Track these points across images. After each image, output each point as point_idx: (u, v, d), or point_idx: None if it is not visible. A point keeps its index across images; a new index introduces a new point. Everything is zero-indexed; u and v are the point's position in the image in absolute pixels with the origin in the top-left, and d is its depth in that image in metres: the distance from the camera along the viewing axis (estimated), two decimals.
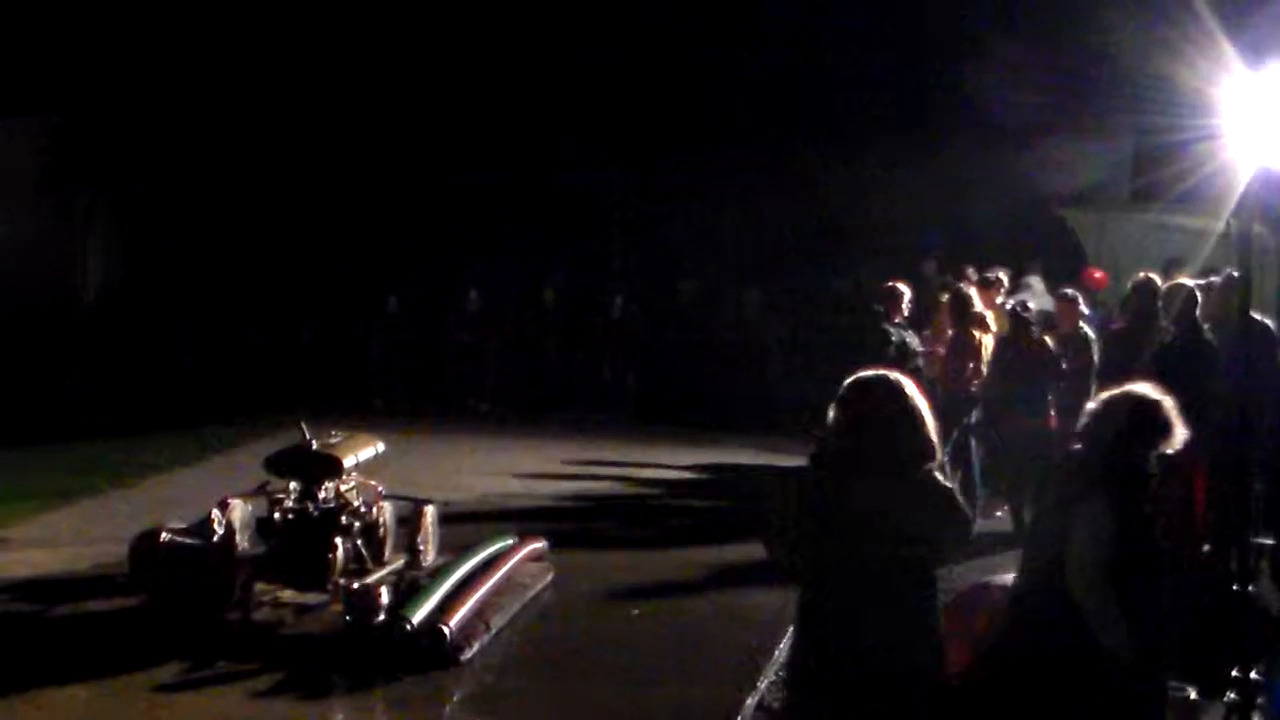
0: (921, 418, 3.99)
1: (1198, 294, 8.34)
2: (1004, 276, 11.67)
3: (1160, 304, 8.68)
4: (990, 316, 10.50)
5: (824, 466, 4.04)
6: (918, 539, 3.93)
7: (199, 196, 18.31)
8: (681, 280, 17.16)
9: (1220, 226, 11.05)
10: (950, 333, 10.63)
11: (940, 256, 14.83)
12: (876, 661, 3.88)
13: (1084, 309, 10.23)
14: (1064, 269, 13.69)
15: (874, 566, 3.88)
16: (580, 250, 17.96)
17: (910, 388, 4.05)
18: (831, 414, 4.07)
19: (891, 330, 10.30)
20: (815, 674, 4.02)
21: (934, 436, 4.00)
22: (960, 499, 4.13)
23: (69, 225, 18.81)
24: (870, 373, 4.17)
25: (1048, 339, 9.85)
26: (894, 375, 4.14)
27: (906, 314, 10.55)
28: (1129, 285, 9.29)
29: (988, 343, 10.22)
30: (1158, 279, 9.07)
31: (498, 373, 16.66)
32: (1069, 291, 10.40)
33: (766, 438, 14.11)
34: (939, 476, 4.02)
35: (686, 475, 12.48)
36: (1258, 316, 7.99)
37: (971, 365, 9.99)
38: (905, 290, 10.58)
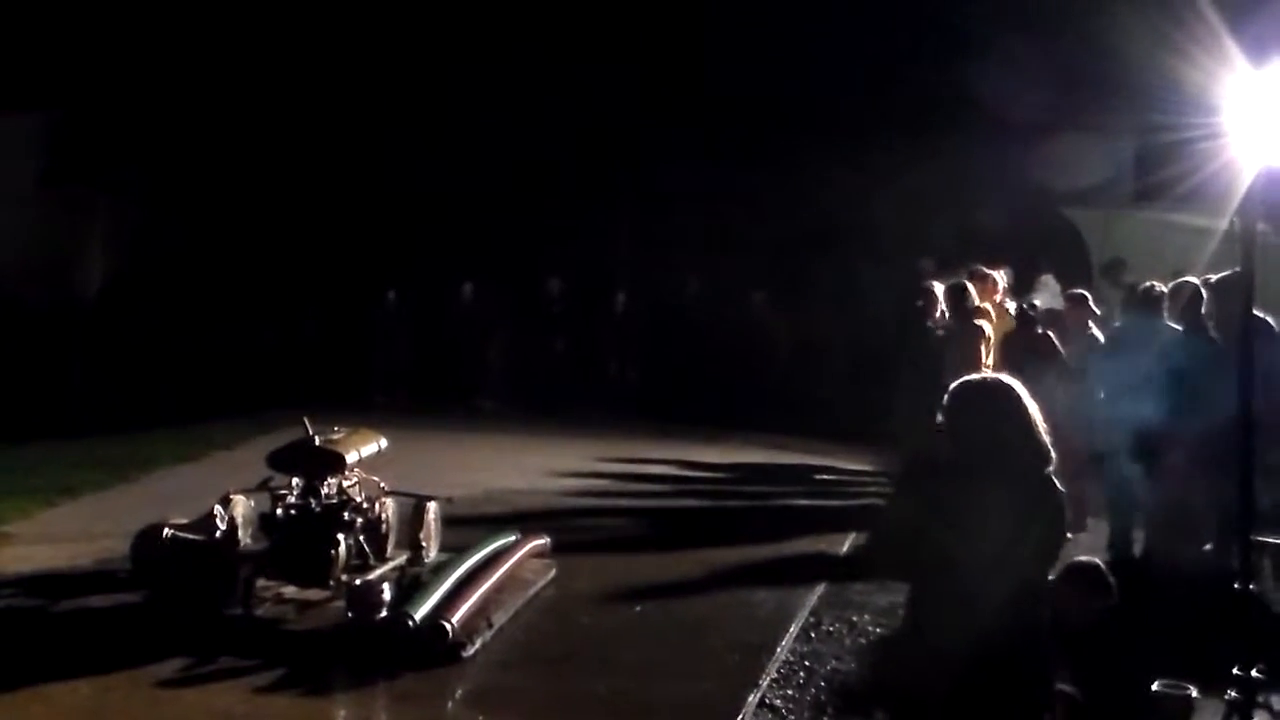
0: (1034, 421, 3.90)
1: (1203, 292, 8.35)
2: (1001, 275, 11.55)
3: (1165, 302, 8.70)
4: (990, 310, 10.48)
5: (937, 472, 3.95)
6: (1035, 544, 3.86)
7: (200, 192, 18.32)
8: (686, 277, 17.16)
9: (1224, 225, 11.05)
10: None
11: (938, 254, 14.80)
12: (993, 668, 3.79)
13: (1094, 308, 10.25)
14: (1069, 268, 13.67)
15: (992, 571, 3.77)
16: (583, 246, 17.95)
17: (1021, 390, 3.95)
18: (941, 418, 3.96)
19: (934, 329, 10.31)
20: (927, 681, 3.91)
21: (1047, 439, 3.91)
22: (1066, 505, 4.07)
23: (70, 221, 18.78)
24: (978, 376, 4.09)
25: (1051, 335, 9.85)
26: (1003, 378, 4.06)
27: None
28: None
29: (989, 333, 10.20)
30: (1159, 283, 9.09)
31: (501, 369, 16.67)
32: (1079, 291, 10.43)
33: (770, 435, 14.13)
34: (1056, 481, 3.93)
35: (690, 473, 12.48)
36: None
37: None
38: (940, 288, 10.59)
